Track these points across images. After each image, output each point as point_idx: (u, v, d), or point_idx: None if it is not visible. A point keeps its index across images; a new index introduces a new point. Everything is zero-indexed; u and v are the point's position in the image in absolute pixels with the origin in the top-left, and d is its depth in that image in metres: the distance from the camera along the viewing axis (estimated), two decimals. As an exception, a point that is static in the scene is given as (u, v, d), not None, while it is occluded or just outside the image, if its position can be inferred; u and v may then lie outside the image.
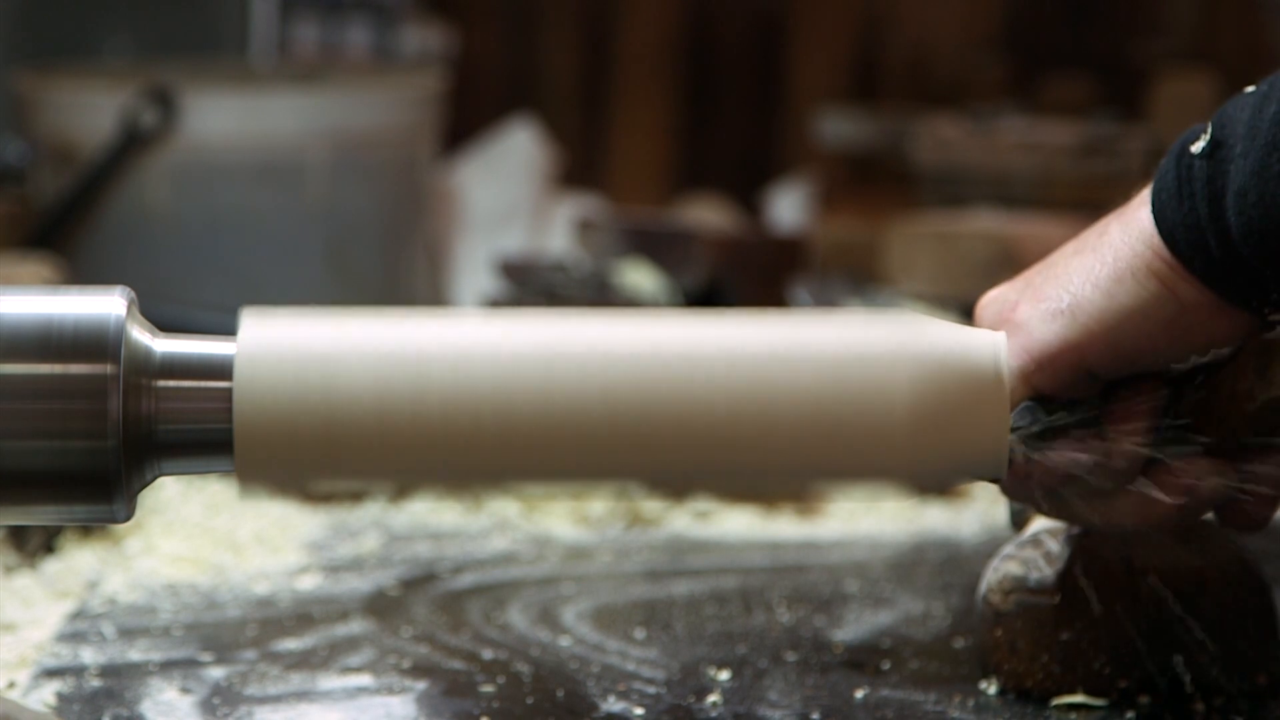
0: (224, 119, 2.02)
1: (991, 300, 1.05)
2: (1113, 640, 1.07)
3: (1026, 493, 1.03)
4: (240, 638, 1.20)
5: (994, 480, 1.01)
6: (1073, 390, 1.01)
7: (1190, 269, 0.97)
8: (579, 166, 3.17)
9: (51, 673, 1.13)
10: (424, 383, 0.94)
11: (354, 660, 1.17)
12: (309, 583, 1.32)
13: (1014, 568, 1.10)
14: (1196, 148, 0.97)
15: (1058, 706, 1.08)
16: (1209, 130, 0.97)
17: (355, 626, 1.23)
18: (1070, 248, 1.03)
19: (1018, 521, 1.14)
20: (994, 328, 1.02)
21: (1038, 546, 1.10)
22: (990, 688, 1.10)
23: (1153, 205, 0.99)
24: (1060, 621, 1.08)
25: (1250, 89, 0.97)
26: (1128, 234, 0.99)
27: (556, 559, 1.38)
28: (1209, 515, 1.05)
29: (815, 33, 3.32)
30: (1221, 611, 1.07)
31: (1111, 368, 1.00)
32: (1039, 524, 1.12)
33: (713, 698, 1.11)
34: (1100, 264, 1.00)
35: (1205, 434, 1.01)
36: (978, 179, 2.15)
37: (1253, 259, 0.95)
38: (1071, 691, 1.08)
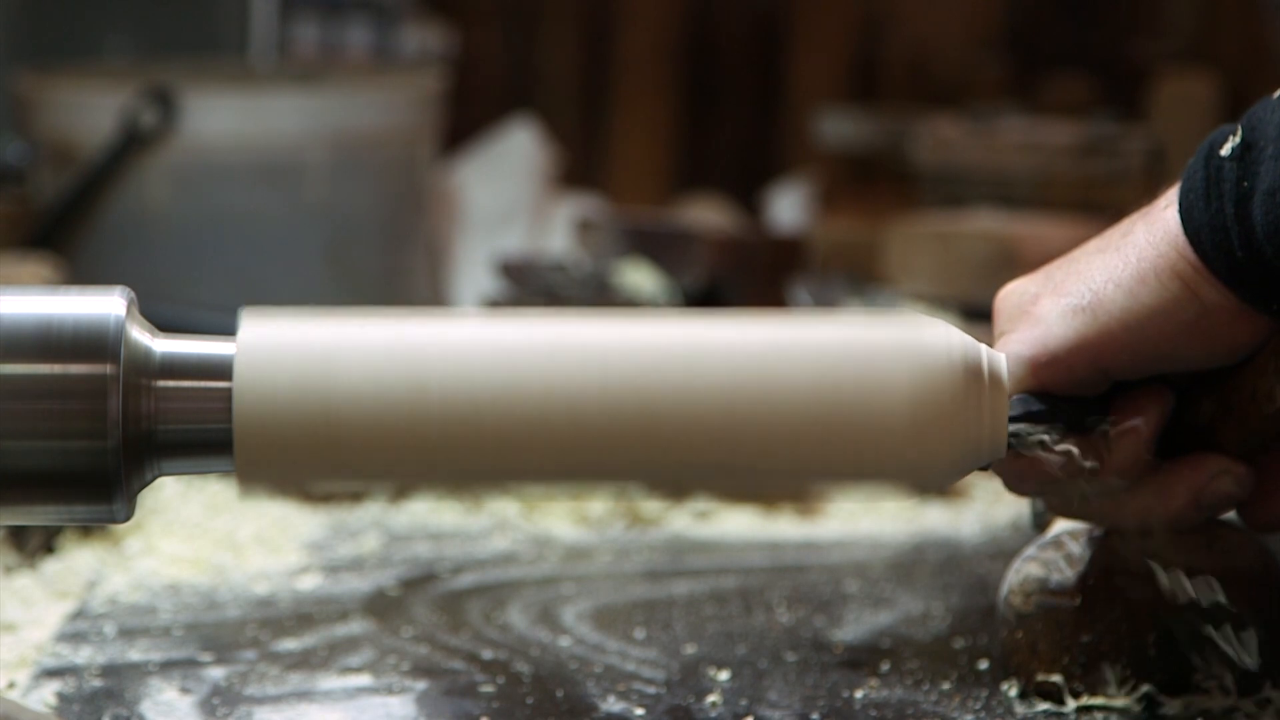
0: (224, 119, 2.02)
1: (1011, 292, 1.05)
2: (1134, 642, 1.07)
3: (1024, 487, 1.03)
4: (240, 638, 1.20)
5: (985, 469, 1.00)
6: (1083, 388, 1.01)
7: (1213, 270, 0.97)
8: (579, 166, 3.17)
9: (51, 673, 1.13)
10: (424, 383, 0.94)
11: (354, 660, 1.17)
12: (309, 583, 1.32)
13: (1035, 569, 1.09)
14: (1226, 150, 0.97)
15: (1077, 709, 1.08)
16: (1239, 132, 0.97)
17: (355, 626, 1.23)
18: (1093, 245, 1.03)
19: (1040, 523, 1.14)
20: (1013, 320, 1.02)
21: (1059, 548, 1.09)
22: (1011, 689, 1.10)
23: (1180, 206, 0.98)
24: (1081, 624, 1.07)
25: None
26: (1152, 234, 0.99)
27: (556, 559, 1.38)
28: (1231, 515, 1.04)
29: (815, 33, 3.31)
30: (1243, 612, 1.07)
31: (1129, 368, 1.00)
32: (1060, 525, 1.11)
33: (713, 698, 1.11)
34: (1124, 263, 0.99)
35: (1225, 433, 1.01)
36: (978, 179, 2.15)
37: (1277, 259, 0.95)
38: (1092, 693, 1.08)
